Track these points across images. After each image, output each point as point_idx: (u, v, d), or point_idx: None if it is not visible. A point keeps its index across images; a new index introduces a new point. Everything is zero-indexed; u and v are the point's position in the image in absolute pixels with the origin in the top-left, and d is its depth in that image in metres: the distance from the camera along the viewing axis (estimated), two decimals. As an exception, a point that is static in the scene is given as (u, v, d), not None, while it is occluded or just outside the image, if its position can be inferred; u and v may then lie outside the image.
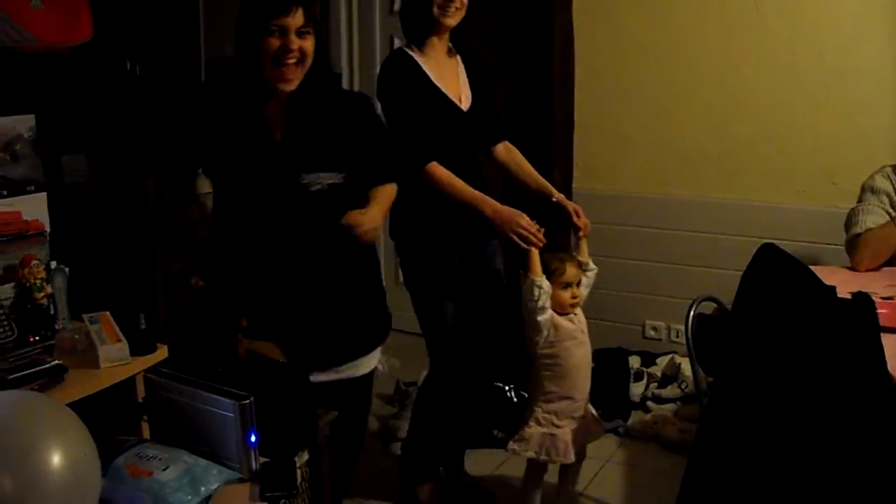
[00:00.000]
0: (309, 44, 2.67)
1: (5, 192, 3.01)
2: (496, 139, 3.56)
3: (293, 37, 2.62)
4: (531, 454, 3.32)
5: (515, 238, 3.14)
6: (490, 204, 3.22)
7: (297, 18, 2.62)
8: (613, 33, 4.81)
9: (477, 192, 3.24)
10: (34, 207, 3.08)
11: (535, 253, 3.14)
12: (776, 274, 2.69)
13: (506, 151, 3.58)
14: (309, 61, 2.69)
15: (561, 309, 3.25)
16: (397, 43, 5.41)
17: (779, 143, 4.49)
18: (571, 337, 3.26)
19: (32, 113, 3.12)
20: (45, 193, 3.11)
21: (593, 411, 3.43)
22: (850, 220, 3.59)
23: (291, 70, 2.66)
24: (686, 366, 4.44)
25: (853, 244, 3.53)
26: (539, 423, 3.31)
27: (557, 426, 3.29)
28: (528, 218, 3.16)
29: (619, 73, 4.83)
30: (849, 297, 2.54)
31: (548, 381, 3.29)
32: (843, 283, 2.81)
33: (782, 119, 4.46)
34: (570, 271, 3.24)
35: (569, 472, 3.48)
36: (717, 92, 4.59)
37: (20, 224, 3.03)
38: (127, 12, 4.50)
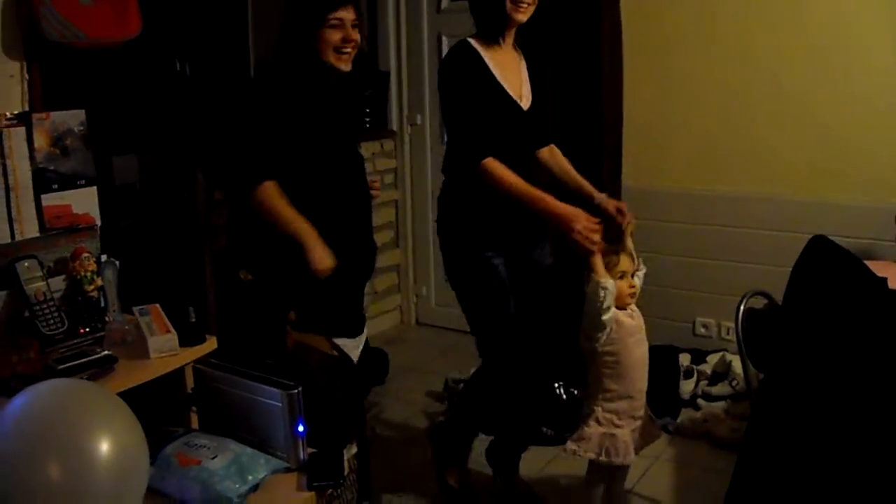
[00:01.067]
0: (358, 34, 3.06)
1: (56, 186, 3.03)
2: (545, 142, 3.54)
3: (350, 28, 3.02)
4: (591, 455, 3.25)
5: (574, 239, 3.09)
6: (549, 201, 3.16)
7: (350, 12, 3.02)
8: (661, 31, 4.79)
9: (535, 189, 3.17)
10: (85, 201, 3.10)
11: (597, 254, 3.10)
12: (827, 266, 2.66)
13: (549, 153, 3.55)
14: (358, 48, 3.09)
15: (620, 301, 3.18)
16: (445, 41, 5.43)
17: (829, 139, 4.44)
18: (631, 334, 3.22)
19: (83, 108, 3.14)
20: (94, 188, 3.14)
21: (650, 414, 3.39)
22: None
23: (348, 58, 3.05)
24: (737, 363, 4.40)
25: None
26: (599, 423, 3.24)
27: (617, 426, 3.23)
28: (586, 217, 3.10)
29: (667, 70, 4.81)
30: (901, 288, 2.51)
31: (608, 379, 3.23)
32: (894, 277, 2.77)
33: (832, 115, 4.41)
34: (625, 261, 3.19)
35: (618, 472, 3.43)
36: (766, 88, 4.56)
37: (71, 217, 3.05)
38: (176, 13, 4.54)
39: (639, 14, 4.78)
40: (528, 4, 3.19)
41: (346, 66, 3.05)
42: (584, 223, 3.08)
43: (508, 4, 3.16)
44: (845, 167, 4.42)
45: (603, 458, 3.24)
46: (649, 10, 4.79)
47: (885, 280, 2.55)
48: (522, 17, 3.20)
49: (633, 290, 3.22)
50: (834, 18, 4.35)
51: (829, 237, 2.80)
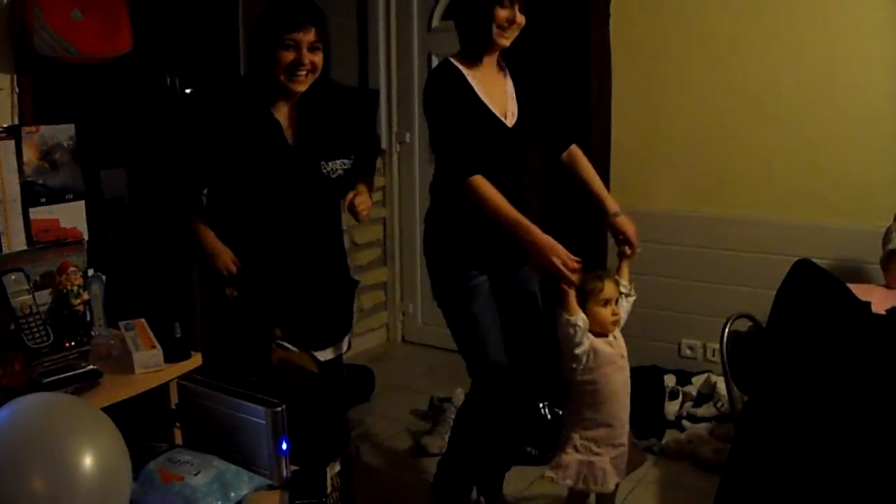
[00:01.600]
0: (319, 57, 3.07)
1: (44, 200, 3.03)
2: (563, 147, 3.52)
3: (305, 51, 3.01)
4: (569, 482, 3.26)
5: (553, 269, 3.09)
6: (531, 230, 3.15)
7: (309, 35, 3.01)
8: (650, 51, 4.81)
9: (520, 216, 3.16)
10: (72, 215, 3.10)
11: (570, 291, 3.10)
12: (811, 290, 2.68)
13: (568, 155, 3.52)
14: (318, 72, 3.09)
15: (601, 328, 3.19)
16: (435, 60, 5.44)
17: (815, 161, 4.47)
18: (611, 362, 3.21)
19: (73, 123, 3.14)
20: (83, 202, 3.13)
21: (634, 439, 3.38)
22: (887, 236, 3.57)
23: (302, 79, 3.06)
24: (721, 385, 4.42)
25: (889, 261, 3.50)
26: (577, 451, 3.24)
27: (596, 453, 3.23)
28: (565, 252, 3.10)
29: (656, 91, 4.83)
30: (884, 313, 2.52)
31: (586, 407, 3.23)
32: (879, 300, 2.80)
33: (819, 137, 4.44)
34: (609, 288, 3.19)
35: (605, 498, 3.43)
36: (754, 111, 4.58)
37: (58, 231, 3.05)
38: (167, 28, 4.55)
39: (627, 36, 4.81)
40: (514, 30, 3.21)
41: (300, 88, 3.07)
42: (562, 258, 3.08)
43: (494, 29, 3.18)
44: (831, 189, 4.44)
45: (581, 485, 3.24)
46: (638, 32, 4.81)
47: (868, 304, 2.56)
48: (506, 41, 3.22)
49: (615, 318, 3.22)
50: (822, 42, 4.38)
51: (815, 259, 2.82)
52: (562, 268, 3.06)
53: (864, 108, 4.32)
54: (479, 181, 3.16)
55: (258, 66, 3.08)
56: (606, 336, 3.22)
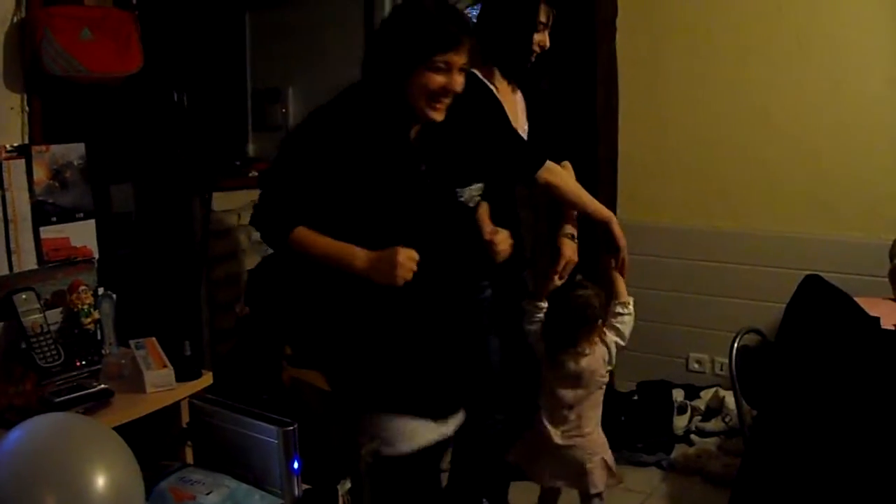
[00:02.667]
0: (463, 79, 2.55)
1: (55, 219, 3.04)
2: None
3: (456, 75, 2.51)
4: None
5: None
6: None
7: (462, 56, 2.50)
8: (656, 65, 4.81)
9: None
10: (83, 234, 3.11)
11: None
12: (820, 305, 2.68)
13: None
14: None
15: None
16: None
17: (822, 175, 4.46)
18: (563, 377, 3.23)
19: (82, 142, 3.16)
20: (93, 221, 3.15)
21: (588, 465, 3.25)
22: (894, 249, 3.57)
23: (443, 108, 2.55)
24: (730, 399, 4.41)
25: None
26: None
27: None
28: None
29: (663, 104, 4.83)
30: (893, 328, 2.52)
31: None
32: (888, 314, 2.79)
33: (826, 150, 4.43)
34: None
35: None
36: (760, 124, 4.58)
37: (69, 250, 3.06)
38: (175, 44, 4.56)
39: (634, 50, 4.81)
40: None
41: (439, 117, 2.54)
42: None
43: (536, 47, 3.22)
44: (840, 202, 4.43)
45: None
46: (644, 46, 4.81)
47: (878, 319, 2.57)
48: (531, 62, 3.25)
49: None
50: (828, 55, 4.37)
51: (823, 273, 2.82)
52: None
53: (871, 120, 4.31)
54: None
55: (391, 88, 2.53)
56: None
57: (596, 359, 3.18)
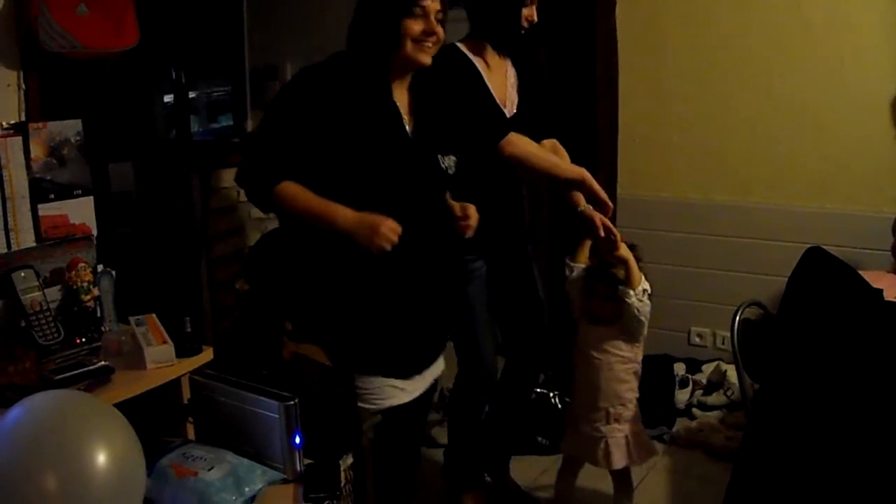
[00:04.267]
0: (442, 29, 2.75)
1: (53, 196, 3.03)
2: (539, 138, 3.44)
3: (433, 20, 2.70)
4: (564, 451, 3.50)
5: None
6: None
7: (436, 2, 2.70)
8: (657, 40, 4.79)
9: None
10: (81, 211, 3.10)
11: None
12: (822, 277, 2.67)
13: (551, 148, 3.45)
14: (440, 45, 2.78)
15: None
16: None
17: (824, 148, 4.45)
18: (579, 351, 3.29)
19: (80, 118, 3.14)
20: (91, 198, 3.14)
21: (622, 440, 3.31)
22: (897, 223, 3.57)
23: (430, 49, 2.72)
24: (732, 372, 4.42)
25: (899, 247, 3.49)
26: (569, 422, 3.42)
27: (576, 429, 3.35)
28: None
29: (663, 79, 4.81)
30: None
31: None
32: (890, 287, 2.79)
33: (827, 124, 4.42)
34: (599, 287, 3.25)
35: (618, 478, 3.47)
36: (762, 97, 4.56)
37: (67, 227, 3.06)
38: (172, 21, 4.55)
39: (634, 23, 4.79)
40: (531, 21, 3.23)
41: (427, 59, 2.72)
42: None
43: (524, 21, 3.20)
44: (842, 176, 4.42)
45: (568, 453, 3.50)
46: (645, 18, 4.79)
47: (881, 291, 2.56)
48: (527, 23, 3.23)
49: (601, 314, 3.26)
50: (831, 25, 4.35)
51: (825, 246, 2.81)
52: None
53: (874, 93, 4.29)
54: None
55: (376, 40, 2.70)
56: (598, 323, 3.26)
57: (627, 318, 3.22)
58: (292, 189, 2.64)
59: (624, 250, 3.17)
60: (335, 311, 2.76)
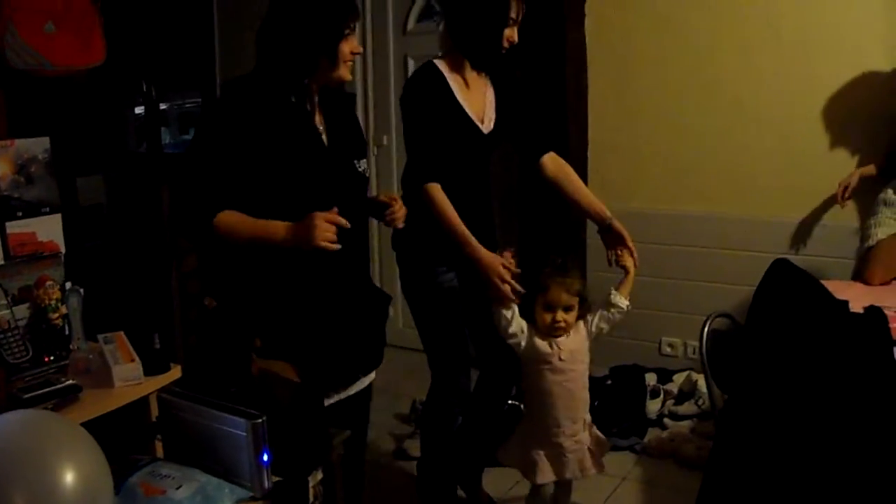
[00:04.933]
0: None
1: (20, 214, 3.02)
2: (540, 151, 3.50)
3: (354, 37, 2.77)
4: (513, 465, 3.42)
5: (493, 286, 3.15)
6: (474, 246, 3.17)
7: (357, 18, 2.79)
8: (626, 52, 4.82)
9: (465, 231, 3.17)
10: (49, 229, 3.09)
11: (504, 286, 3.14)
12: (789, 289, 2.69)
13: (555, 166, 3.51)
14: None
15: (544, 331, 3.23)
16: (411, 63, 5.45)
17: (793, 159, 4.49)
18: (543, 360, 3.22)
19: (47, 135, 3.13)
20: (59, 215, 3.12)
21: (590, 446, 3.35)
22: (864, 233, 3.59)
23: (350, 66, 2.81)
24: (703, 382, 4.43)
25: (866, 257, 3.52)
26: (521, 439, 3.35)
27: (532, 447, 3.30)
28: (504, 269, 3.13)
29: (633, 90, 4.84)
30: (861, 311, 2.53)
31: (525, 400, 3.36)
32: (857, 297, 2.81)
33: (795, 135, 4.46)
34: (555, 293, 3.19)
35: (558, 496, 3.50)
36: (731, 109, 4.60)
37: (35, 245, 3.04)
38: (143, 35, 4.54)
39: (603, 35, 4.82)
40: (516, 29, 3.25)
41: (349, 76, 2.82)
42: (500, 272, 3.12)
43: (506, 42, 3.21)
44: (808, 187, 4.45)
45: (522, 473, 3.38)
46: (614, 30, 4.82)
47: (846, 303, 2.58)
48: (508, 44, 3.24)
49: (558, 325, 3.21)
50: (799, 40, 4.39)
51: (793, 256, 2.84)
52: (500, 287, 3.12)
53: (841, 104, 4.33)
54: (434, 190, 3.19)
55: (305, 64, 2.71)
56: (559, 336, 3.24)
57: (580, 339, 3.25)
58: (229, 219, 2.67)
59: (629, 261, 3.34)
60: (299, 326, 2.80)
